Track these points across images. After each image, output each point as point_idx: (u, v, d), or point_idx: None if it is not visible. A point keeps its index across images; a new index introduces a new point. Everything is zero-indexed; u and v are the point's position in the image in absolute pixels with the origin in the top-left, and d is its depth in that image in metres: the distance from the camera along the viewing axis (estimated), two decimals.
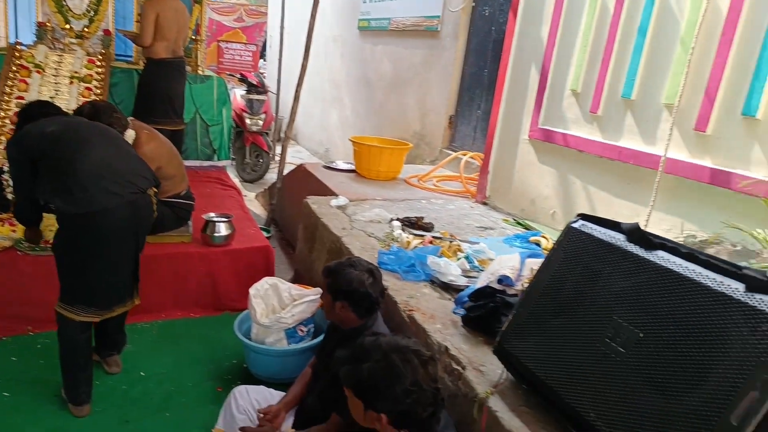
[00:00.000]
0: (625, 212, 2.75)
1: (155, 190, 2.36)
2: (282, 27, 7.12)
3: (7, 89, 3.71)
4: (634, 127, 2.70)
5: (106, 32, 4.52)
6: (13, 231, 2.94)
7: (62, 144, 2.15)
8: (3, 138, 3.50)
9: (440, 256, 2.48)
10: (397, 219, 3.05)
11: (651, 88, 2.62)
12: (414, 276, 2.37)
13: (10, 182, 3.13)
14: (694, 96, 2.39)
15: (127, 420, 2.26)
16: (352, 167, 4.39)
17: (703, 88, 2.34)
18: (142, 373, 2.58)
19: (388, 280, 2.32)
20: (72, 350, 2.24)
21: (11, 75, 3.79)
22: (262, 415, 1.98)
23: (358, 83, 6.95)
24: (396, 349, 1.34)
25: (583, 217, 1.61)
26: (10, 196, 3.15)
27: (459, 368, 1.77)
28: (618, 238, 1.46)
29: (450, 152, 4.78)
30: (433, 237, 2.78)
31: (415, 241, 2.69)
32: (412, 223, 2.99)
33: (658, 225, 2.53)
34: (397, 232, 2.83)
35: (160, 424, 2.25)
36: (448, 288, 2.32)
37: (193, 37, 4.92)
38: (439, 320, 2.04)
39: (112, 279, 2.25)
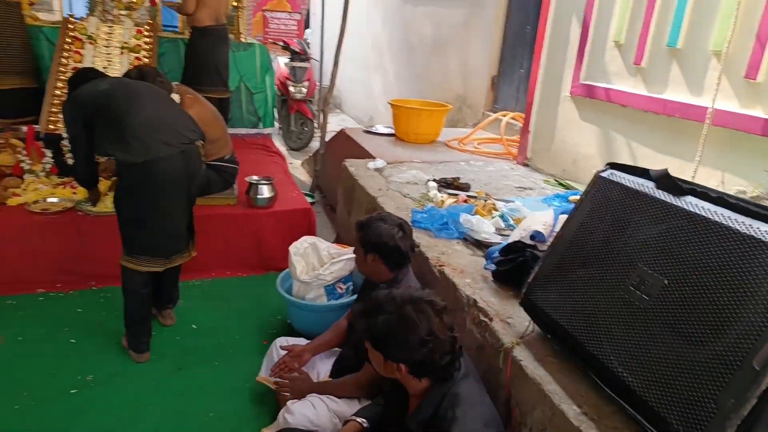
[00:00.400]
0: (670, 168, 2.64)
1: (202, 142, 2.47)
2: None
3: (63, 60, 3.93)
4: (680, 77, 2.57)
5: (152, 3, 4.66)
6: (74, 193, 3.17)
7: (115, 99, 2.29)
8: None
9: (474, 215, 2.49)
10: (434, 180, 3.06)
11: (698, 36, 2.48)
12: (446, 233, 2.40)
13: (69, 147, 3.37)
14: (744, 41, 2.24)
15: (180, 367, 2.44)
16: (392, 131, 4.40)
17: (754, 32, 2.20)
18: (193, 326, 2.76)
19: (421, 238, 2.36)
20: (135, 303, 2.42)
21: (66, 47, 4.00)
22: (286, 352, 2.10)
23: (400, 48, 6.87)
24: (409, 301, 1.38)
25: (613, 165, 1.58)
26: (69, 161, 3.38)
27: (486, 320, 1.80)
28: (647, 186, 1.44)
29: (493, 114, 4.70)
30: (468, 196, 2.78)
31: (450, 200, 2.70)
32: (448, 184, 3.00)
33: (706, 180, 2.43)
34: (433, 192, 2.84)
35: (210, 372, 2.43)
36: (480, 245, 2.33)
37: (235, 5, 4.98)
38: (469, 275, 2.07)
39: (169, 228, 2.40)
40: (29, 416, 2.09)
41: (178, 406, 2.21)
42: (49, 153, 3.45)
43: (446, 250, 2.28)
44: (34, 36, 4.17)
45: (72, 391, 2.23)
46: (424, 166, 3.48)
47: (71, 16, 4.30)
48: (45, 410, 2.12)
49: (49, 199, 3.10)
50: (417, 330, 1.34)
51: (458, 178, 3.05)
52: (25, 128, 3.51)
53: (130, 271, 2.36)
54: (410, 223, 2.43)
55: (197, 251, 2.68)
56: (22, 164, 3.39)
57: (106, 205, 2.97)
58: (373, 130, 4.53)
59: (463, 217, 2.41)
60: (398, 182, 3.09)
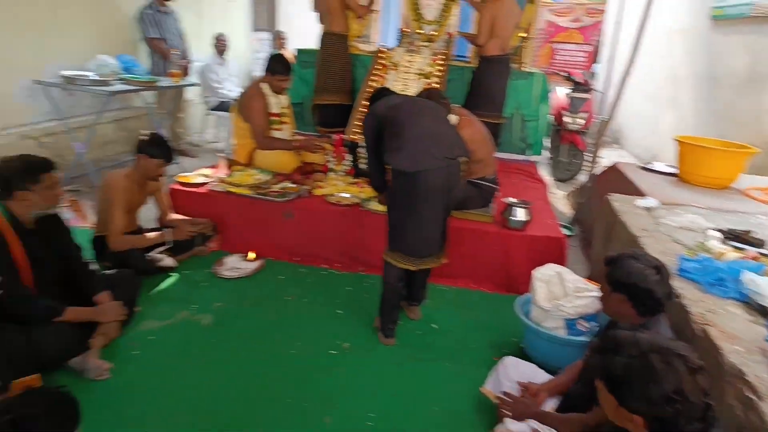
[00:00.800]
0: None
1: (466, 159, 2.69)
2: (618, 24, 6.78)
3: (371, 83, 4.71)
4: None
5: (450, 35, 5.20)
6: (361, 192, 3.77)
7: (401, 112, 2.67)
8: None
9: (764, 276, 2.08)
10: (716, 229, 2.65)
11: None
12: (720, 291, 2.07)
13: (363, 154, 4.01)
14: None
15: (417, 358, 2.68)
16: (674, 171, 3.96)
17: None
18: (434, 326, 2.99)
19: (686, 289, 2.10)
20: (389, 293, 2.77)
21: (375, 72, 4.79)
22: (522, 389, 2.09)
23: (703, 80, 6.08)
24: (657, 349, 1.24)
25: None
26: (362, 166, 4.02)
27: (755, 398, 1.51)
28: None
29: None
30: (760, 254, 2.34)
31: (733, 255, 2.31)
32: (735, 236, 2.56)
33: None
34: (712, 242, 2.48)
35: (440, 369, 2.61)
36: (766, 313, 1.95)
37: (524, 35, 5.17)
38: (741, 343, 1.75)
39: (424, 233, 2.66)
40: (297, 360, 2.60)
41: (409, 391, 2.44)
42: (349, 157, 4.18)
43: (716, 309, 1.97)
44: (353, 62, 5.08)
45: (331, 352, 2.68)
46: (706, 213, 3.04)
47: (383, 46, 5.12)
48: (309, 360, 2.60)
49: (343, 194, 3.75)
50: (661, 383, 1.20)
51: (749, 232, 2.58)
52: (335, 136, 4.32)
53: (389, 265, 2.71)
54: (676, 272, 2.19)
55: (448, 259, 2.89)
56: (329, 164, 4.19)
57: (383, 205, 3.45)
58: (651, 167, 4.15)
59: (747, 276, 2.04)
60: (669, 225, 2.78)
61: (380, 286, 2.79)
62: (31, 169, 2.22)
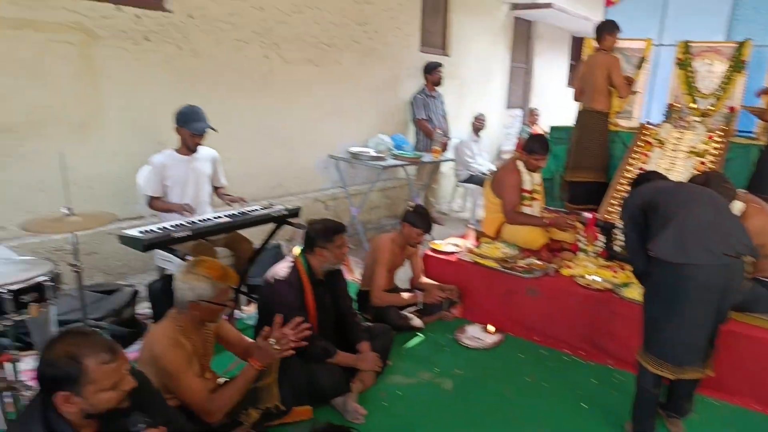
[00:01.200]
0: None
1: (753, 259, 2.29)
2: None
3: (631, 161, 4.44)
4: None
5: (731, 109, 4.61)
6: (614, 276, 3.51)
7: (671, 195, 2.46)
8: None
9: None
10: None
11: None
12: None
13: (619, 236, 3.76)
14: None
15: None
16: None
17: None
18: None
19: None
20: (642, 399, 2.48)
21: (636, 149, 4.51)
22: None
23: None
24: None
25: None
26: (617, 249, 3.77)
27: None
28: None
29: None
30: None
31: None
32: None
33: None
34: None
35: None
36: None
37: None
38: None
39: (686, 337, 2.32)
40: None
41: None
42: (602, 238, 3.96)
43: None
44: (612, 139, 4.88)
45: None
46: None
47: (648, 122, 4.82)
48: None
49: (593, 277, 3.54)
50: None
51: None
52: (587, 214, 4.16)
53: (642, 367, 2.43)
54: None
55: (725, 368, 2.47)
56: (579, 243, 4.03)
57: (640, 294, 3.14)
58: None
59: None
60: None
61: (633, 386, 2.52)
62: (329, 231, 2.72)
